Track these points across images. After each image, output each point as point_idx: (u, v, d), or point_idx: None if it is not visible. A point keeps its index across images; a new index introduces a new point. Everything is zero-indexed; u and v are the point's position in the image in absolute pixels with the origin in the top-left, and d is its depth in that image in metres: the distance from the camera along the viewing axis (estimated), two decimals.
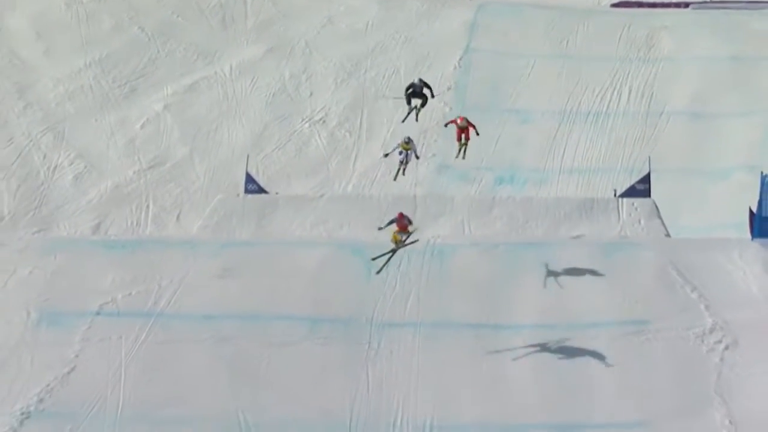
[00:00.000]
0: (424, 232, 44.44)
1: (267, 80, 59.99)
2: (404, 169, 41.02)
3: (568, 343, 40.37)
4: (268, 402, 38.34)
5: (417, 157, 42.05)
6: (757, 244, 44.01)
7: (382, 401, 38.20)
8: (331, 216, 47.29)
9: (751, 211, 44.49)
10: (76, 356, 39.92)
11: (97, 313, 41.44)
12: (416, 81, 41.81)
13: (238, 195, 48.43)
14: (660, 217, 47.35)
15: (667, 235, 46.79)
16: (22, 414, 37.91)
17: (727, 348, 39.81)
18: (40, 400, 38.46)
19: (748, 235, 44.63)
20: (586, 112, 58.16)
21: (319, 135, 55.86)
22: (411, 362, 39.41)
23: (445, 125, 43.20)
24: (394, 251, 39.10)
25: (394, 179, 41.49)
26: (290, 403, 38.40)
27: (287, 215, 47.45)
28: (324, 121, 56.88)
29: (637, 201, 47.88)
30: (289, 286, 42.67)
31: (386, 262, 39.51)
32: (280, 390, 38.80)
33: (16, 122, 51.79)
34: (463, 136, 41.97)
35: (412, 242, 39.11)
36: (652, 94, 59.85)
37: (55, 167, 49.52)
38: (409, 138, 41.04)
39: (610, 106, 58.53)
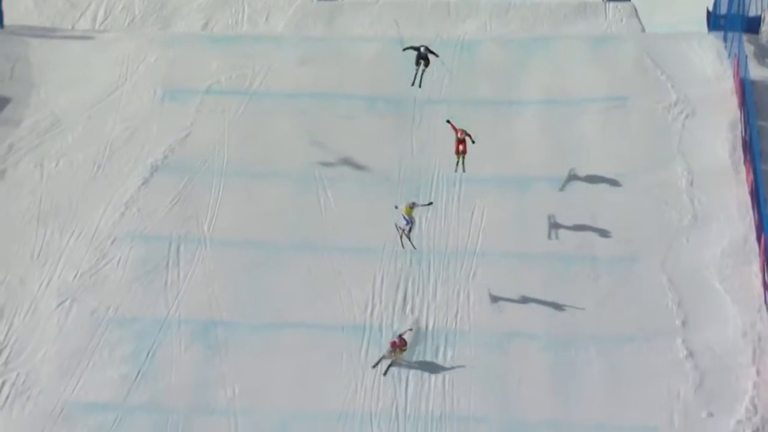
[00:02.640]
0: (455, 31, 44.97)
1: None
2: (409, 236, 34.82)
3: (565, 114, 40.88)
4: (336, 161, 39.21)
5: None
6: (712, 36, 44.00)
7: (423, 161, 38.93)
8: (384, 18, 46.23)
9: (708, 10, 44.54)
10: (191, 124, 40.67)
11: (206, 92, 41.77)
12: (422, 49, 37.78)
13: (312, 1, 47.38)
14: (638, 17, 46.82)
15: (643, 30, 46.31)
16: (152, 167, 39.19)
17: (687, 117, 40.46)
18: (165, 157, 39.58)
19: (706, 29, 44.51)
20: None
21: None
22: (445, 131, 38.53)
23: (447, 121, 36.70)
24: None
25: (402, 246, 35.15)
26: (352, 162, 39.25)
27: (351, 17, 46.79)
28: None
29: (620, 4, 47.26)
30: (352, 72, 42.64)
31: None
32: (345, 152, 39.56)
33: None
34: (460, 148, 36.22)
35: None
36: None
37: None
38: (413, 203, 34.80)
39: None
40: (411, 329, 33.80)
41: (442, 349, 33.84)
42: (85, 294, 35.15)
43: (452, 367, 33.26)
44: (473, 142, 35.95)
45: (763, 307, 34.25)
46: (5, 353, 33.46)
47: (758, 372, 32.71)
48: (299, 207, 37.77)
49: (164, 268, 35.90)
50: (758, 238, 35.94)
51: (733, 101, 40.63)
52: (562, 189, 37.42)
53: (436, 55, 37.82)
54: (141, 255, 36.27)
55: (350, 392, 32.66)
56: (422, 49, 37.56)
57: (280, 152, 39.67)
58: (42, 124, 40.57)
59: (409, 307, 34.32)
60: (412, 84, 37.79)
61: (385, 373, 32.59)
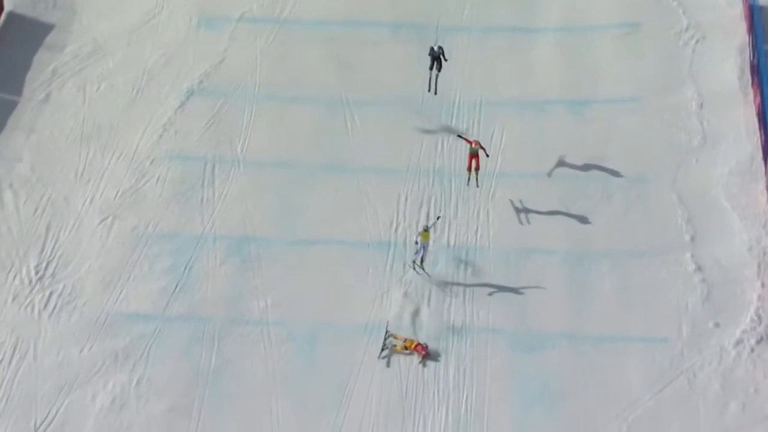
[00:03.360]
0: None
1: None
2: (422, 265, 33.35)
3: (581, 40, 40.45)
4: (362, 85, 38.97)
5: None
6: None
7: (445, 85, 38.20)
8: None
9: None
10: (225, 51, 40.37)
11: (239, 20, 41.41)
12: (435, 48, 36.96)
13: None
14: None
15: None
16: (188, 91, 39.03)
17: (697, 42, 40.06)
18: (200, 82, 39.39)
19: None
20: None
21: None
22: (466, 57, 39.34)
23: (458, 136, 35.81)
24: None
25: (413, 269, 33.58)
26: (378, 86, 39.03)
27: None
28: None
29: None
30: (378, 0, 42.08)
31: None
32: (371, 77, 39.34)
33: None
34: (473, 162, 34.90)
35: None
36: None
37: None
38: (426, 226, 33.39)
39: None
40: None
41: (462, 264, 33.90)
42: (125, 211, 35.30)
43: (472, 282, 33.31)
44: (487, 155, 35.22)
45: None
46: (52, 266, 33.71)
47: (763, 284, 32.76)
48: (327, 130, 37.70)
49: (200, 187, 35.96)
50: (765, 158, 35.82)
51: (742, 26, 40.11)
52: (549, 175, 36.37)
53: (446, 59, 36.89)
54: (178, 174, 36.34)
55: (376, 304, 32.78)
56: (436, 48, 36.85)
57: (309, 77, 39.48)
58: (84, 50, 40.42)
59: (431, 224, 34.18)
60: (429, 90, 37.23)
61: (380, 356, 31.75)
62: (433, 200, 35.43)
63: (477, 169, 34.99)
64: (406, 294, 33.01)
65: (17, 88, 39.21)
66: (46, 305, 32.74)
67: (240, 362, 31.43)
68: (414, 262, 33.26)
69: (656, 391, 30.48)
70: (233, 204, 35.49)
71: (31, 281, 33.36)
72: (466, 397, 30.60)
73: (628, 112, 37.99)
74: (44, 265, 33.77)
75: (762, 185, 35.34)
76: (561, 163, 36.43)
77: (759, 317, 31.98)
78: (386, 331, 31.76)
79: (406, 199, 35.48)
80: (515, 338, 31.90)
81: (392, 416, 30.37)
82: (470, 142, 34.85)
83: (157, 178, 36.27)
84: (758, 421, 29.69)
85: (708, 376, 30.75)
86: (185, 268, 33.68)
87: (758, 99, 37.27)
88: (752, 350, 31.25)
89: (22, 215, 35.15)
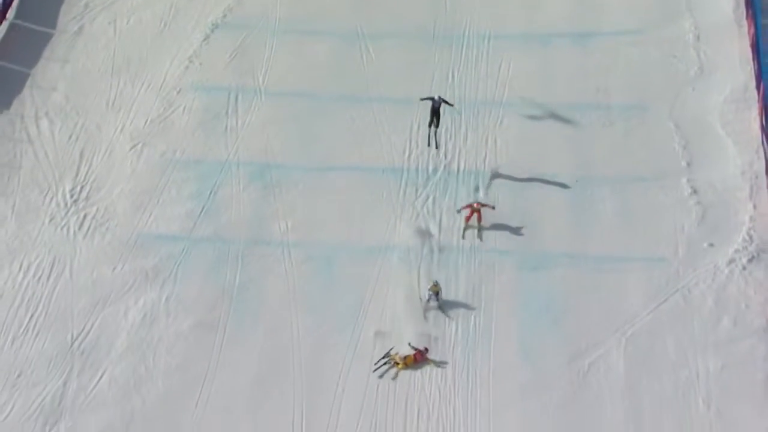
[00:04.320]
0: None
1: None
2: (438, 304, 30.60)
3: None
4: (377, 19, 38.67)
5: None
6: None
7: (456, 19, 38.28)
8: None
9: None
10: None
11: None
12: (435, 97, 34.07)
13: None
14: None
15: None
16: (213, 25, 38.80)
17: None
18: (224, 16, 39.17)
19: None
20: None
21: None
22: None
23: (458, 211, 32.41)
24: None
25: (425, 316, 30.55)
26: (392, 19, 38.74)
27: None
28: None
29: None
30: None
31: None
32: (385, 11, 39.02)
33: None
34: (475, 216, 31.95)
35: None
36: None
37: None
38: (436, 282, 30.67)
39: None
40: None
41: (472, 189, 33.56)
42: (154, 138, 35.06)
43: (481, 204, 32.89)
44: (493, 208, 32.37)
45: (760, 148, 33.81)
46: (86, 189, 33.60)
47: (755, 206, 32.47)
48: (343, 61, 37.36)
49: (224, 115, 35.70)
50: (757, 86, 35.36)
51: None
52: (554, 104, 35.63)
53: (451, 105, 34.47)
54: (203, 104, 36.06)
55: (390, 227, 32.52)
56: (436, 98, 34.06)
57: (327, 12, 39.16)
58: None
59: (442, 151, 33.85)
60: (428, 145, 34.38)
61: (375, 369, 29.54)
62: (444, 128, 34.94)
63: (479, 220, 32.11)
64: (417, 216, 32.71)
65: (52, 21, 38.94)
66: (80, 226, 32.61)
67: (262, 281, 31.26)
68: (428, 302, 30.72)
69: (653, 307, 30.26)
70: (255, 132, 35.20)
71: (66, 204, 33.24)
72: (475, 313, 30.39)
73: (629, 44, 37.54)
74: (78, 188, 33.65)
75: (755, 112, 34.85)
76: (564, 93, 36.01)
77: (750, 237, 31.68)
78: (388, 353, 29.53)
79: (418, 128, 35.04)
80: (521, 259, 31.62)
81: (405, 331, 30.06)
82: (470, 206, 32.26)
83: (184, 107, 35.98)
84: (749, 334, 29.49)
85: (702, 292, 30.53)
86: (210, 193, 33.42)
87: (752, 30, 36.74)
88: (744, 268, 31.00)
89: (57, 142, 34.99)
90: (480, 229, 32.03)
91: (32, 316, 30.39)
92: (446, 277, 31.25)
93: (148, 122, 35.56)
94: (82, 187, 33.67)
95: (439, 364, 29.21)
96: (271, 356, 29.34)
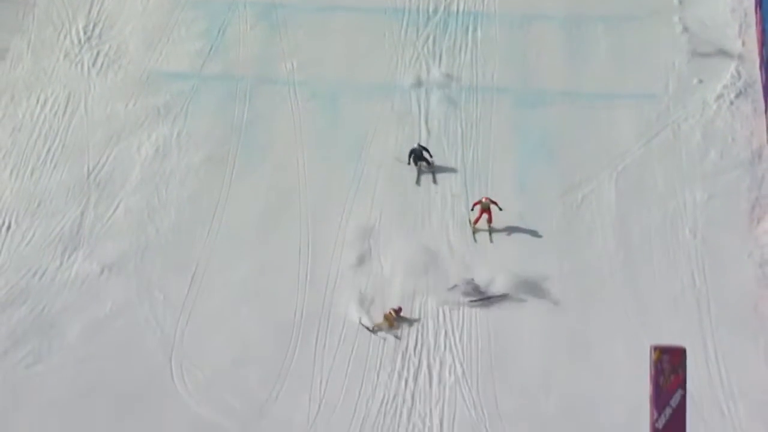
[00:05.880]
0: None
1: None
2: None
3: None
4: None
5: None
6: None
7: None
8: None
9: None
10: None
11: None
12: (416, 145, 28.48)
13: None
14: None
15: None
16: None
17: None
18: None
19: None
20: None
21: None
22: None
23: (471, 208, 27.00)
24: None
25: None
26: None
27: None
28: None
29: None
30: None
31: None
32: None
33: None
34: (485, 216, 26.73)
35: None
36: None
37: None
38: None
39: None
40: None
41: (470, 29, 31.94)
42: None
43: (480, 45, 31.44)
44: (500, 209, 26.83)
45: None
46: (99, 27, 32.06)
47: (743, 43, 30.94)
48: None
49: None
50: None
51: None
52: None
53: (429, 159, 28.37)
54: None
55: (392, 65, 30.99)
56: (416, 146, 28.51)
57: None
58: None
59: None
60: (417, 183, 28.31)
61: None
62: None
63: (490, 221, 26.86)
64: (418, 56, 31.06)
65: None
66: (94, 63, 31.08)
67: (269, 117, 29.86)
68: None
69: (644, 142, 28.76)
70: None
71: (80, 41, 31.66)
72: (473, 148, 28.99)
73: None
74: (91, 26, 32.03)
75: None
76: None
77: (738, 73, 30.07)
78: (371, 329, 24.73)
79: None
80: (518, 96, 30.06)
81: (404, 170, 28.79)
82: (479, 203, 27.06)
83: None
84: (734, 166, 28.08)
85: (691, 127, 29.01)
86: (219, 31, 31.76)
87: None
88: (731, 103, 29.47)
89: None
90: (491, 231, 26.99)
91: (50, 148, 29.05)
92: (445, 114, 29.76)
93: None
94: (94, 25, 32.01)
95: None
96: (278, 189, 28.04)
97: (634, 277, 25.57)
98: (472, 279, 25.53)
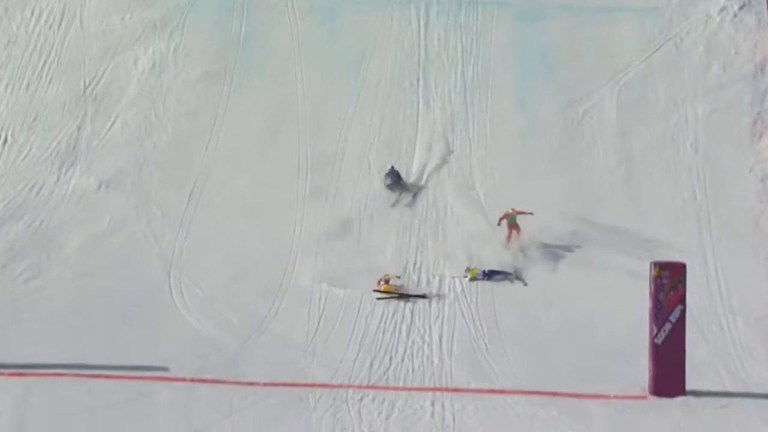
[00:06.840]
0: None
1: None
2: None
3: None
4: None
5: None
6: None
7: None
8: None
9: None
10: None
11: None
12: (388, 168, 25.68)
13: None
14: None
15: None
16: None
17: None
18: None
19: None
20: None
21: None
22: None
23: (498, 223, 24.05)
24: None
25: None
26: None
27: None
28: None
29: None
30: None
31: None
32: None
33: None
34: (513, 233, 23.87)
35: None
36: None
37: None
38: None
39: None
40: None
41: None
42: None
43: None
44: (531, 213, 24.01)
45: None
46: None
47: None
48: None
49: None
50: None
51: None
52: None
53: (404, 183, 25.79)
54: None
55: None
56: (389, 168, 25.72)
57: None
58: None
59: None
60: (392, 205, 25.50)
61: None
62: None
63: (518, 230, 23.95)
64: None
65: None
66: None
67: (267, 31, 29.17)
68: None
69: (646, 56, 28.13)
70: None
71: None
72: (473, 63, 28.31)
73: None
74: None
75: None
76: None
77: None
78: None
79: None
80: (519, 10, 29.30)
81: (405, 79, 28.11)
82: (505, 216, 24.18)
83: None
84: (737, 80, 27.51)
85: (694, 40, 28.36)
86: None
87: None
88: (735, 15, 28.76)
89: None
90: (522, 245, 23.98)
91: (45, 62, 28.45)
92: (446, 26, 29.01)
93: None
94: None
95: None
96: (276, 103, 27.50)
97: (635, 193, 25.23)
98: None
